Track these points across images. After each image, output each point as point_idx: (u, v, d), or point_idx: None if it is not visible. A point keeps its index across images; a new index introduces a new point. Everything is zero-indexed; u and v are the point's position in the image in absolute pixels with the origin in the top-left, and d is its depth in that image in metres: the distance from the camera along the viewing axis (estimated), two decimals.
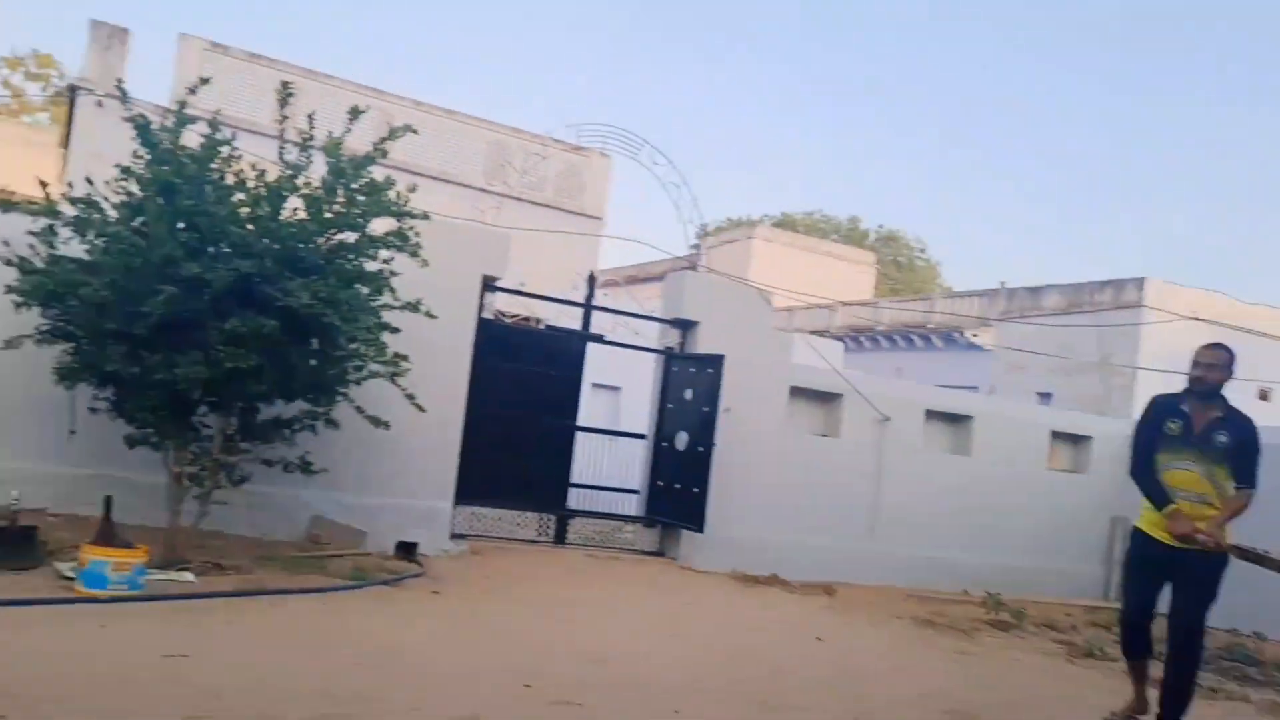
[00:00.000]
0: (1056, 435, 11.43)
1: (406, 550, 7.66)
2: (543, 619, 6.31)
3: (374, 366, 7.01)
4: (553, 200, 20.26)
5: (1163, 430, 5.08)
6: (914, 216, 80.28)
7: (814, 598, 8.71)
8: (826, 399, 10.30)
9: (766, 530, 9.56)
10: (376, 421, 6.99)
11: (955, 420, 10.98)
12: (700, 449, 9.07)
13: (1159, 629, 5.15)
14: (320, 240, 6.74)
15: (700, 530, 8.96)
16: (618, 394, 16.49)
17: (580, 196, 20.62)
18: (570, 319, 9.99)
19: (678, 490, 9.23)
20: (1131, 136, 74.29)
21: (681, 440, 9.28)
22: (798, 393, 10.04)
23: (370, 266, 6.90)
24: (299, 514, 7.62)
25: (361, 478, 7.85)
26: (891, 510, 10.22)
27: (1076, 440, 11.53)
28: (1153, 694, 5.18)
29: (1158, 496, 5.02)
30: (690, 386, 9.33)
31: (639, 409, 11.07)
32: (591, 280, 9.76)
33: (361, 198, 6.84)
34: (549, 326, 9.86)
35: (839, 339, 23.36)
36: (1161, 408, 5.18)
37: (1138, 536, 5.24)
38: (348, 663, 4.61)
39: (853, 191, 78.54)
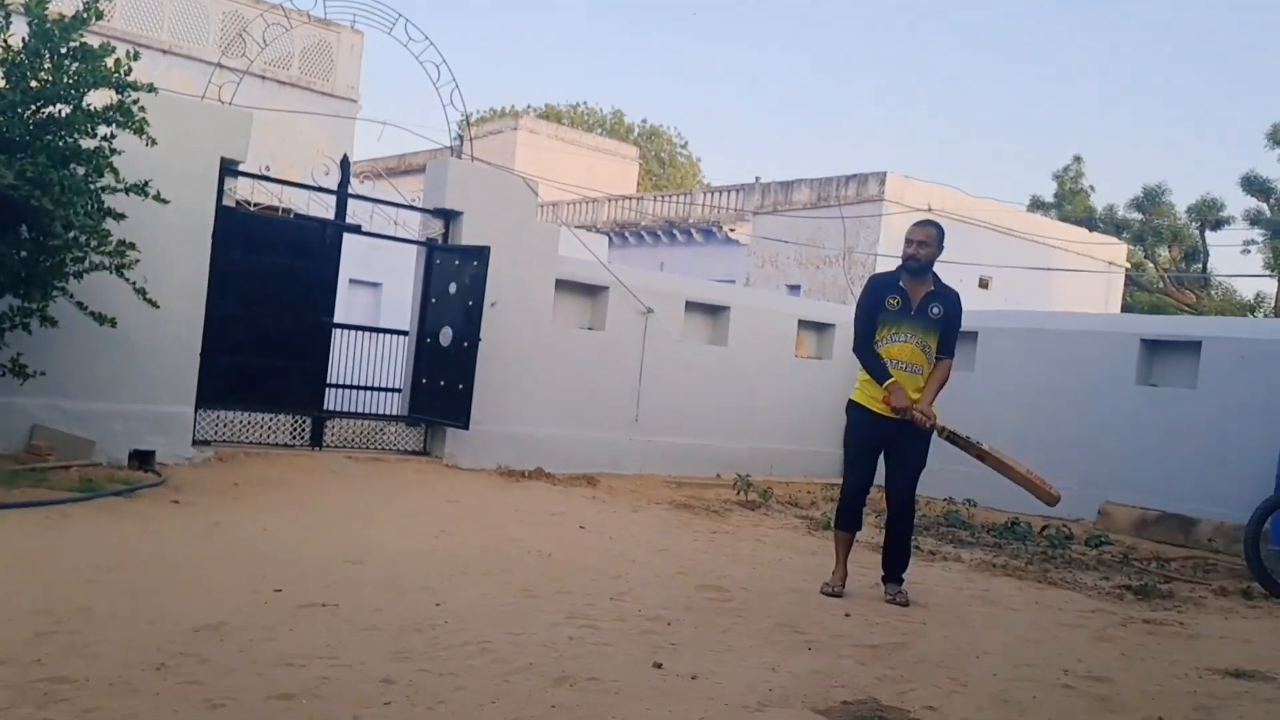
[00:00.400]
0: (804, 324, 12.10)
1: (142, 459, 7.15)
2: (296, 524, 6.08)
3: (96, 257, 6.39)
4: (299, 79, 18.90)
5: (884, 306, 5.39)
6: (675, 112, 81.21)
7: (578, 489, 8.89)
8: (592, 292, 10.37)
9: (532, 425, 9.62)
10: (100, 319, 6.40)
11: (713, 311, 11.37)
12: (465, 344, 8.91)
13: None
14: (24, 113, 5.98)
15: (465, 427, 8.87)
16: (378, 290, 15.93)
17: (331, 76, 19.35)
18: (324, 208, 9.42)
19: (442, 387, 9.06)
20: (879, 35, 78.04)
21: (446, 336, 9.07)
22: (564, 286, 10.04)
23: (87, 144, 6.20)
24: (15, 423, 6.88)
25: (88, 382, 7.16)
26: (653, 401, 10.53)
27: (821, 329, 12.26)
28: (858, 561, 5.67)
29: (879, 372, 5.34)
30: (454, 280, 9.10)
31: (401, 306, 10.73)
32: (345, 165, 9.18)
33: (73, 65, 6.10)
34: (298, 215, 9.24)
35: (604, 233, 23.52)
36: (881, 285, 5.49)
37: (857, 411, 5.51)
38: (73, 578, 4.25)
39: (615, 85, 78.35)
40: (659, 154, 45.83)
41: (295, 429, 8.81)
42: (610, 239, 23.26)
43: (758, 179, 23.61)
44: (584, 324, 10.35)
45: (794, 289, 21.42)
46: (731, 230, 23.68)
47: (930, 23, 75.99)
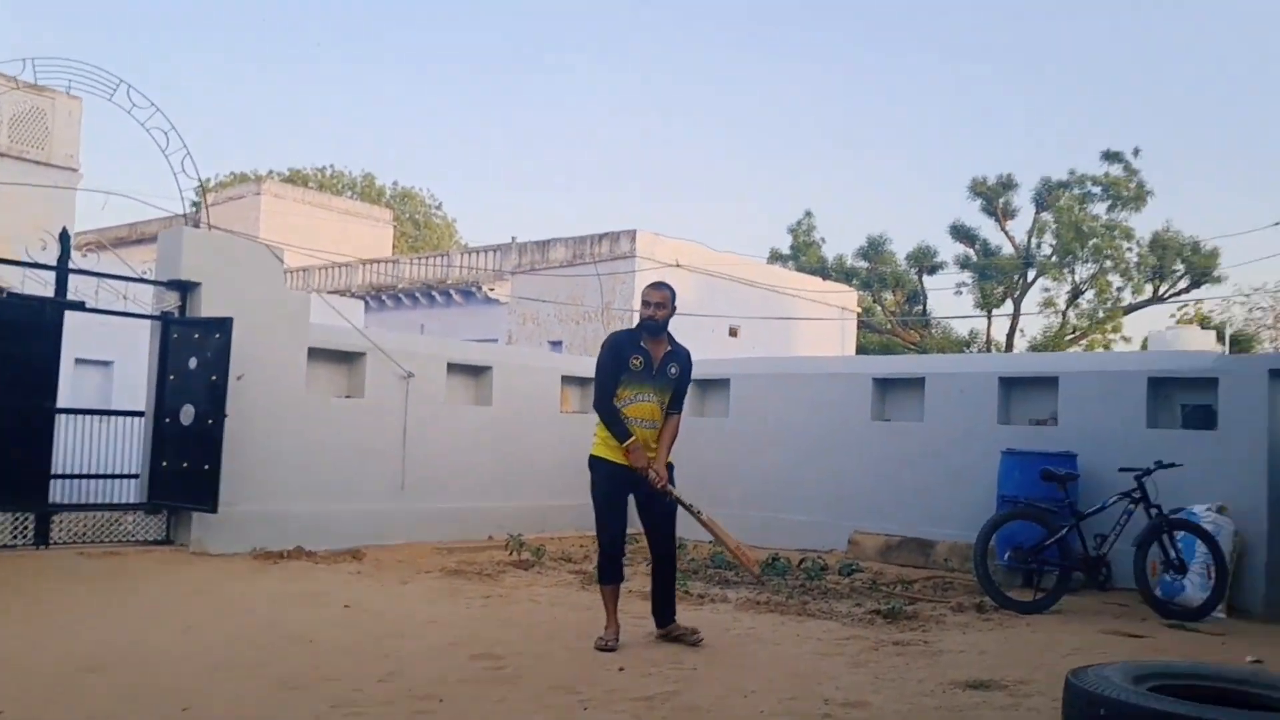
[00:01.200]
0: (567, 379, 12.26)
1: None
2: (20, 633, 5.46)
3: None
4: (10, 149, 17.39)
5: (628, 367, 5.59)
6: (427, 174, 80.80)
7: (341, 565, 8.53)
8: (349, 359, 10.07)
9: (289, 502, 9.17)
10: None
11: (476, 372, 11.32)
12: (210, 421, 8.40)
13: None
14: None
15: (213, 510, 8.32)
16: (109, 369, 14.75)
17: (46, 144, 17.91)
18: (42, 285, 8.66)
19: (185, 469, 8.47)
20: (621, 93, 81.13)
21: (187, 414, 8.52)
22: (318, 354, 9.70)
23: None
24: None
25: None
26: (419, 467, 10.30)
27: (584, 383, 12.44)
28: (629, 612, 5.79)
29: (620, 431, 5.53)
30: (195, 354, 8.58)
31: (136, 385, 9.98)
32: (65, 238, 8.50)
33: None
34: (10, 294, 8.44)
35: (360, 298, 22.92)
36: (623, 345, 5.67)
37: (603, 465, 5.63)
38: None
39: (364, 148, 77.07)
40: (413, 216, 45.32)
41: (16, 527, 7.97)
42: (367, 303, 22.72)
43: (514, 239, 23.85)
44: (341, 392, 10.02)
45: (556, 345, 21.69)
46: (491, 290, 23.72)
47: (671, 85, 79.92)
